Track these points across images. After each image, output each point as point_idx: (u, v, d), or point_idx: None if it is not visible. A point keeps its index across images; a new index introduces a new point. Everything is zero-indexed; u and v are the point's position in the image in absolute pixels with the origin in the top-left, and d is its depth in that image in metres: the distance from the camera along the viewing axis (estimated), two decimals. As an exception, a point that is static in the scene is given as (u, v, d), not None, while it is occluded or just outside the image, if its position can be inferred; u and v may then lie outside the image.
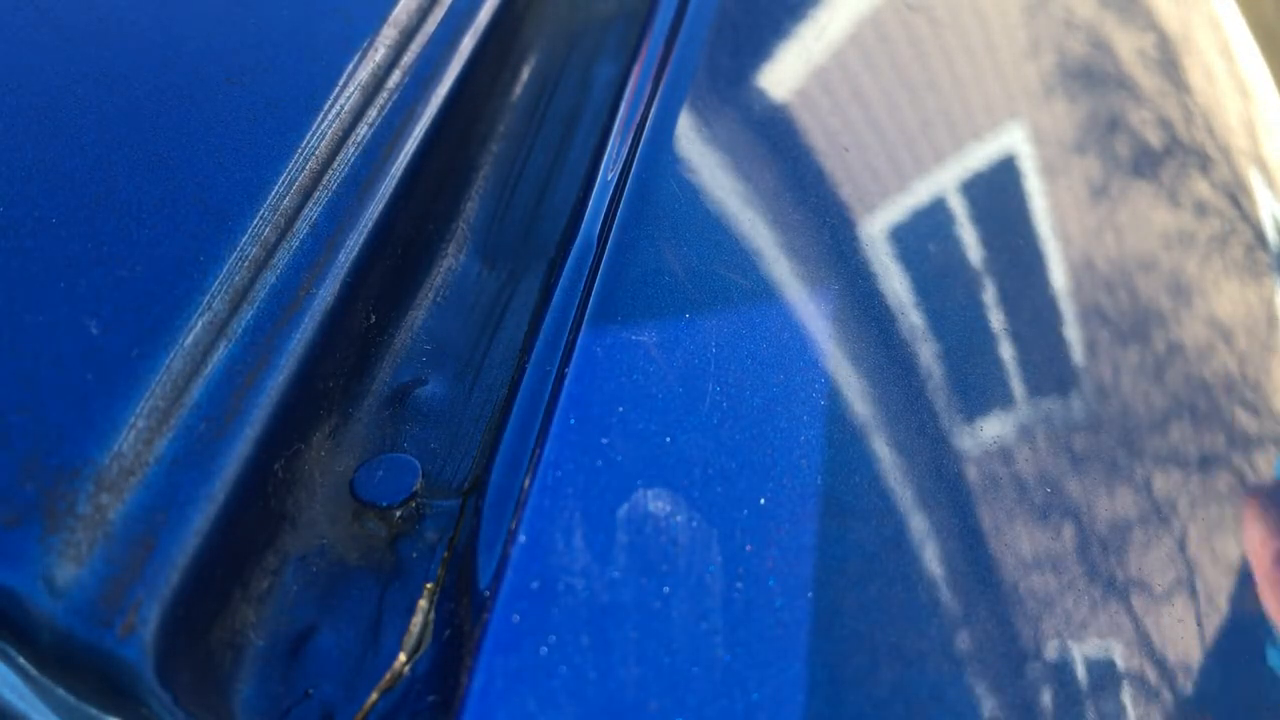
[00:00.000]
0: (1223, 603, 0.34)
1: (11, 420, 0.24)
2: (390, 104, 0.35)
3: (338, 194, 0.32)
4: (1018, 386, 0.35)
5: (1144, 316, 0.41)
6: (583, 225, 0.33)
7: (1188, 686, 0.32)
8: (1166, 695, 0.31)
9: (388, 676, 0.26)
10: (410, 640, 0.26)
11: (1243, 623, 0.34)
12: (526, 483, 0.26)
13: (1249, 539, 0.36)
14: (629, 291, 0.31)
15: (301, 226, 0.31)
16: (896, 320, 0.34)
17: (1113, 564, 0.32)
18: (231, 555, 0.26)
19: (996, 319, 0.36)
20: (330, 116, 0.33)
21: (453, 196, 0.38)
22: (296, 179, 0.31)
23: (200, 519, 0.25)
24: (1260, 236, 0.49)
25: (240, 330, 0.28)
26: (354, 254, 0.31)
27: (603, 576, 0.25)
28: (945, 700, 0.27)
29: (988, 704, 0.28)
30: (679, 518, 0.26)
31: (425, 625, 0.26)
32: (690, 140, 0.36)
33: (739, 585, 0.26)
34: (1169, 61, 0.54)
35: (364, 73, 0.35)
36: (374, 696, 0.25)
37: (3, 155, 0.29)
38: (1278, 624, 0.35)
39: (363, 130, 0.34)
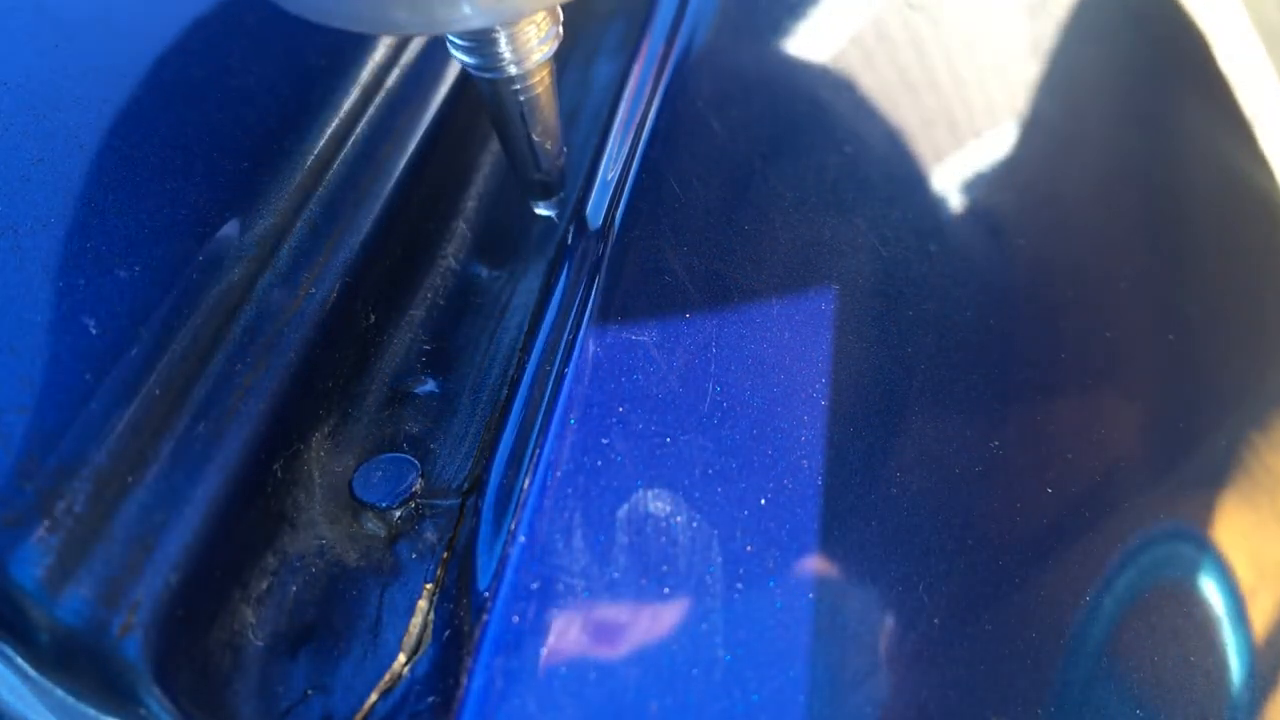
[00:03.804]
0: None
1: (11, 420, 0.24)
2: (390, 104, 0.35)
3: (338, 194, 0.32)
4: (1022, 385, 0.35)
5: (1149, 315, 0.40)
6: (583, 226, 0.33)
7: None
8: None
9: (387, 677, 0.25)
10: (410, 641, 0.26)
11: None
12: (526, 483, 0.26)
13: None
14: (629, 291, 0.31)
15: (301, 227, 0.31)
16: (898, 320, 0.34)
17: (1122, 565, 0.32)
18: (231, 556, 0.26)
19: (1000, 318, 0.36)
20: (330, 116, 0.33)
21: (453, 196, 0.37)
22: (296, 179, 0.31)
23: (199, 519, 0.25)
24: (1260, 234, 0.49)
25: (240, 330, 0.28)
26: (354, 254, 0.31)
27: (603, 577, 0.25)
28: (947, 700, 0.27)
29: (990, 703, 0.27)
30: (679, 518, 0.26)
31: (425, 626, 0.26)
32: (690, 140, 0.35)
33: (739, 586, 0.26)
34: (1171, 60, 0.54)
35: (364, 72, 0.35)
36: (373, 697, 0.25)
37: (1, 155, 0.29)
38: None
39: (362, 130, 0.34)
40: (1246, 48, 0.59)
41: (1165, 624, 0.32)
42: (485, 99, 0.30)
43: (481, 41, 0.28)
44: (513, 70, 0.28)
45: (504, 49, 0.28)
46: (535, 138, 0.31)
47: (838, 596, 0.27)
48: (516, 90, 0.29)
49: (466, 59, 0.28)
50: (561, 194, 0.35)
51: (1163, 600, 0.33)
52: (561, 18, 0.29)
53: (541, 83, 0.29)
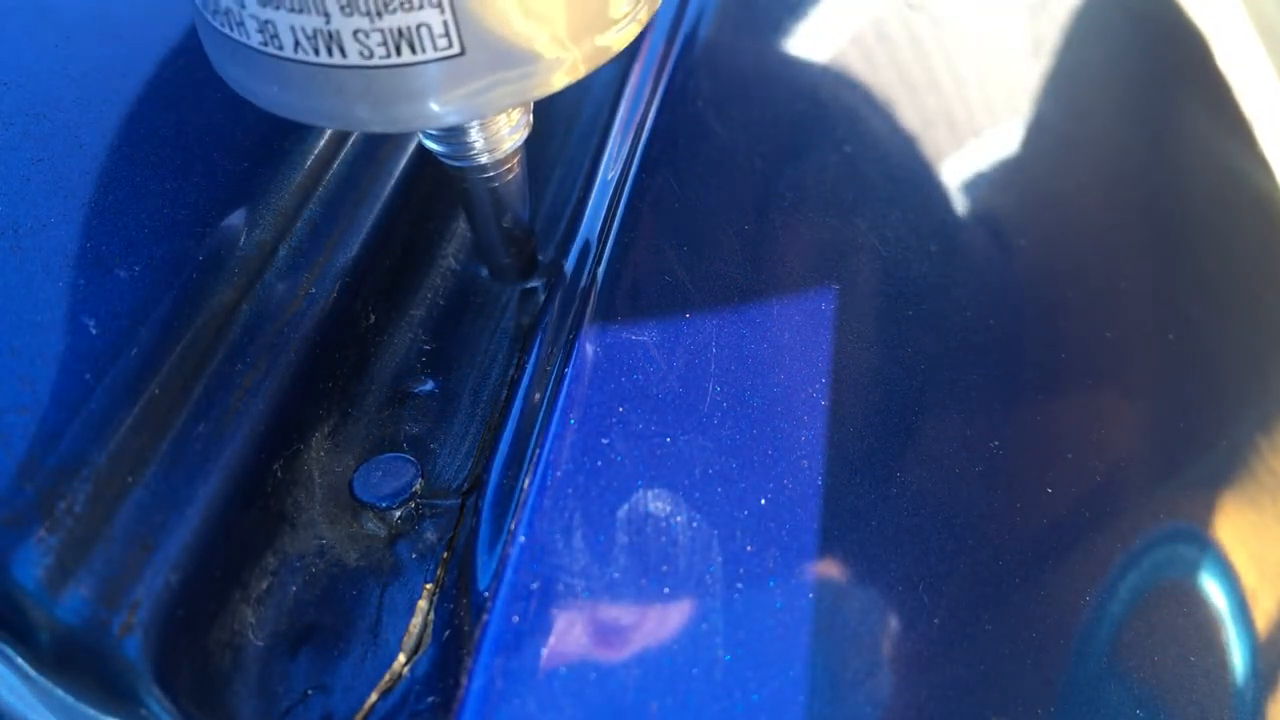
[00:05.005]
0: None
1: (10, 420, 0.24)
2: (390, 104, 0.35)
3: (337, 194, 0.32)
4: (1022, 385, 0.35)
5: (1149, 315, 0.40)
6: (583, 225, 0.33)
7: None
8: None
9: (387, 677, 0.25)
10: (410, 641, 0.26)
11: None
12: (526, 483, 0.26)
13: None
14: (629, 291, 0.31)
15: (301, 227, 0.31)
16: (898, 320, 0.34)
17: (1123, 565, 0.32)
18: (230, 556, 0.26)
19: (1000, 318, 0.36)
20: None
21: (453, 197, 0.37)
22: (296, 179, 0.31)
23: (199, 519, 0.25)
24: (1260, 234, 0.49)
25: (240, 330, 0.28)
26: (354, 254, 0.31)
27: (603, 577, 0.25)
28: (947, 700, 0.27)
29: (991, 703, 0.27)
30: (679, 518, 0.26)
31: (425, 626, 0.26)
32: (690, 140, 0.35)
33: (739, 586, 0.26)
34: (1171, 61, 0.54)
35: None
36: (373, 697, 0.25)
37: (1, 155, 0.29)
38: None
39: (362, 130, 0.34)
40: (1246, 48, 0.59)
41: (1166, 625, 0.32)
42: (453, 185, 0.30)
43: (451, 130, 0.27)
44: (483, 159, 0.28)
45: (474, 138, 0.27)
46: (505, 224, 0.31)
47: (838, 596, 0.27)
48: (487, 178, 0.29)
49: (434, 146, 0.28)
50: (532, 280, 0.34)
51: (1164, 601, 0.33)
52: (532, 105, 0.28)
53: (512, 170, 0.29)
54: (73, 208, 0.28)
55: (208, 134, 0.31)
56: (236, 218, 0.30)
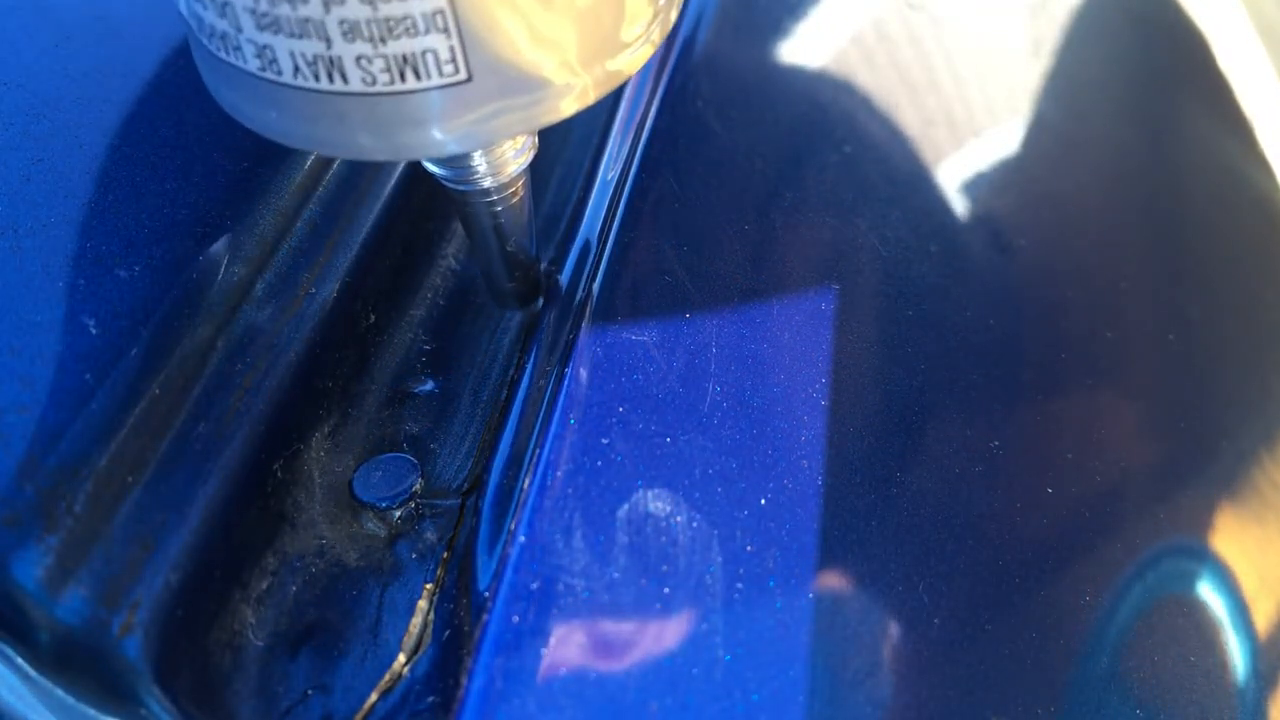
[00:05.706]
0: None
1: (10, 420, 0.24)
2: (390, 104, 0.35)
3: (337, 194, 0.32)
4: (1022, 385, 0.35)
5: (1149, 315, 0.40)
6: (582, 225, 0.33)
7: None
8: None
9: (387, 677, 0.25)
10: (410, 641, 0.26)
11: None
12: (526, 483, 0.26)
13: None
14: (629, 291, 0.31)
15: (301, 227, 0.31)
16: (898, 320, 0.34)
17: (1123, 567, 0.32)
18: (230, 556, 0.26)
19: (1000, 318, 0.36)
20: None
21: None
22: (296, 179, 0.31)
23: (199, 520, 0.25)
24: (1260, 234, 0.49)
25: (240, 330, 0.28)
26: (354, 254, 0.31)
27: (603, 577, 0.25)
28: (947, 700, 0.27)
29: (990, 703, 0.27)
30: (679, 518, 0.26)
31: (425, 626, 0.26)
32: (690, 140, 0.35)
33: (739, 586, 0.26)
34: (1171, 61, 0.54)
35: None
36: (373, 697, 0.25)
37: (1, 155, 0.29)
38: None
39: (362, 130, 0.34)
40: (1246, 48, 0.59)
41: (1166, 625, 0.32)
42: (456, 209, 0.29)
43: (454, 155, 0.26)
44: (487, 183, 0.27)
45: (478, 163, 0.26)
46: (509, 249, 0.30)
47: (838, 596, 0.27)
48: (491, 202, 0.28)
49: (435, 169, 0.27)
50: (536, 304, 0.33)
51: (1164, 602, 0.33)
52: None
53: (516, 194, 0.28)
54: (73, 208, 0.28)
55: (208, 134, 0.31)
56: (236, 218, 0.30)
